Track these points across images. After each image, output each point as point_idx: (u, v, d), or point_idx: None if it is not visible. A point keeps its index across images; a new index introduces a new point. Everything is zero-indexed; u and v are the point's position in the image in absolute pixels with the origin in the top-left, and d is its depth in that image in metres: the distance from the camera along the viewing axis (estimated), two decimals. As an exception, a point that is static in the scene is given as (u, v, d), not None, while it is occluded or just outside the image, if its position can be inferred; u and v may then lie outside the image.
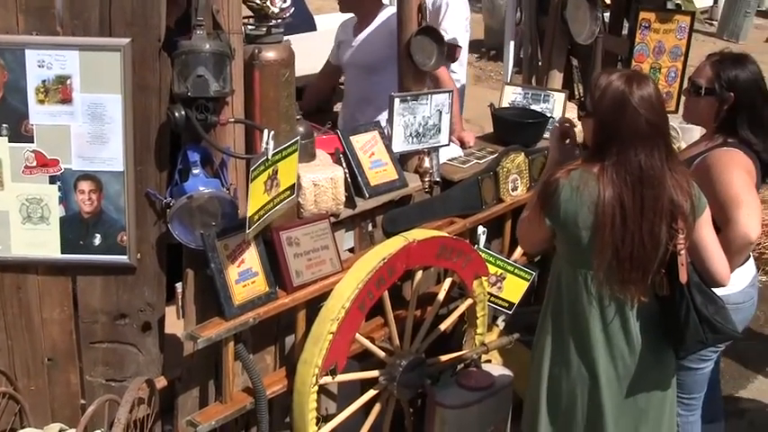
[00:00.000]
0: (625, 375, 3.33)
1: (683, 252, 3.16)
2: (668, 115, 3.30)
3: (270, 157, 3.21)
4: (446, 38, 4.54)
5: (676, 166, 3.21)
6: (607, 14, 5.96)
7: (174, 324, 3.60)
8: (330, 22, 6.70)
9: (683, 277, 3.17)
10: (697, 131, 6.29)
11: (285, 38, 3.57)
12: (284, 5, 3.48)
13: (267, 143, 3.19)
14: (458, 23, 5.50)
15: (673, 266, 3.18)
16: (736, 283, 3.80)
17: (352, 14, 5.42)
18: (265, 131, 3.22)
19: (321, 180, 3.69)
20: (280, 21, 3.48)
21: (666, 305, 3.26)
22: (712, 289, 3.34)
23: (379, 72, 5.01)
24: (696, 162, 3.80)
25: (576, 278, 3.30)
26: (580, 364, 3.35)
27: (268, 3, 3.42)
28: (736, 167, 3.69)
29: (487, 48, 13.23)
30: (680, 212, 3.16)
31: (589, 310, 3.29)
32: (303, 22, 6.96)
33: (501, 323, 4.69)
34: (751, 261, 3.99)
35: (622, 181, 3.12)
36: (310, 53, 6.10)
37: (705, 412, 4.29)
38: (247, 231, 3.23)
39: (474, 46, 13.55)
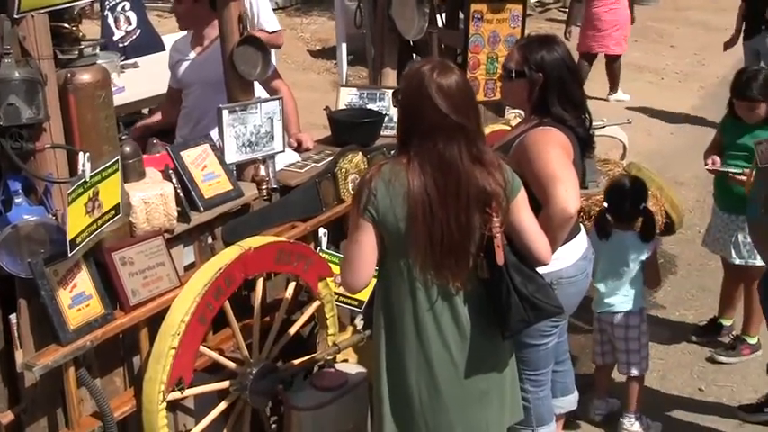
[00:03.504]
0: (460, 359, 3.40)
1: (498, 235, 3.25)
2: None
3: (88, 180, 3.20)
4: (269, 30, 4.55)
5: (483, 151, 3.29)
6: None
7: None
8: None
9: (500, 259, 3.26)
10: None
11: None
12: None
13: (83, 165, 3.19)
14: (270, 12, 5.47)
15: (490, 250, 3.27)
16: (567, 257, 3.95)
17: (182, 34, 5.36)
18: (80, 154, 3.20)
19: (151, 197, 3.67)
20: (91, 43, 3.47)
21: (489, 288, 3.35)
22: (538, 268, 3.46)
23: None
24: (514, 144, 3.90)
25: (400, 268, 3.35)
26: (413, 352, 3.41)
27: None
28: (551, 146, 3.80)
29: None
30: (491, 197, 3.24)
31: (415, 297, 3.35)
32: (150, 43, 6.88)
33: (360, 322, 4.75)
34: (582, 234, 4.12)
35: (425, 172, 3.20)
36: (159, 73, 6.06)
37: (556, 386, 4.43)
38: (70, 255, 3.21)
39: (331, 52, 13.65)
